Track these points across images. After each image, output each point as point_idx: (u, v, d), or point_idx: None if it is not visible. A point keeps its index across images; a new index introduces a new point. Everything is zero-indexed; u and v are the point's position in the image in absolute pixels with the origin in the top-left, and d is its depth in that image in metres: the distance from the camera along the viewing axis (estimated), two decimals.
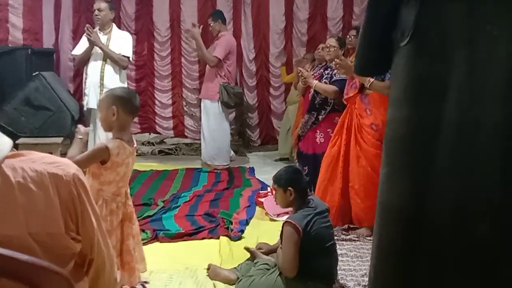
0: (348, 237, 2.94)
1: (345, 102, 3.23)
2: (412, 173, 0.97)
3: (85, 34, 3.84)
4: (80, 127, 2.05)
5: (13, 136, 3.74)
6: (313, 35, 6.36)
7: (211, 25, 4.94)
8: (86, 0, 6.23)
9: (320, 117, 3.61)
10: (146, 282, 2.29)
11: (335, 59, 3.16)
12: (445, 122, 0.92)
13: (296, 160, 3.92)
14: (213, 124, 4.87)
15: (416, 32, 0.96)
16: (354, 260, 2.64)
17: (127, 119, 1.97)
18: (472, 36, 0.90)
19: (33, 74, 3.94)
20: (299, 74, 3.31)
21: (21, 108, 3.64)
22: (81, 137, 1.98)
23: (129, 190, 2.13)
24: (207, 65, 4.92)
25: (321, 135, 3.61)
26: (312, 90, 3.70)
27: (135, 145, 2.05)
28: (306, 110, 3.78)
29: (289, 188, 2.16)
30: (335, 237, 2.83)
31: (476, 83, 0.89)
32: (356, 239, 2.90)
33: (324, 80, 3.56)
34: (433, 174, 0.93)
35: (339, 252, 2.65)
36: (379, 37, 1.08)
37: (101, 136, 3.62)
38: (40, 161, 0.75)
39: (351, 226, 3.08)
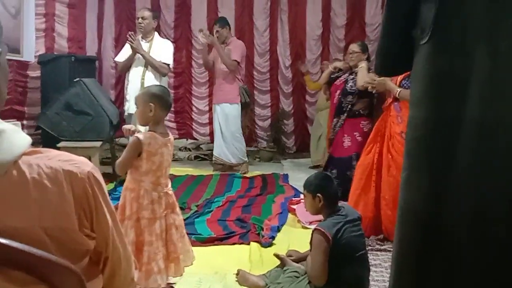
0: (383, 247, 2.84)
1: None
2: (430, 174, 0.93)
3: (126, 46, 3.97)
4: (124, 127, 2.25)
5: (54, 139, 3.90)
6: (351, 40, 6.23)
7: (219, 31, 4.94)
8: (128, 9, 6.46)
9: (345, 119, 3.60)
10: (173, 284, 2.30)
11: (367, 82, 3.18)
12: (465, 120, 0.87)
13: (324, 166, 3.89)
14: (233, 127, 4.94)
15: (436, 29, 0.92)
16: (389, 271, 2.53)
17: (162, 114, 2.12)
18: (493, 31, 0.86)
19: (74, 80, 4.09)
20: (368, 84, 3.21)
21: (62, 112, 3.79)
22: (127, 135, 2.15)
23: (170, 183, 2.21)
24: (218, 70, 4.96)
25: (348, 138, 3.58)
26: (337, 94, 3.69)
27: (169, 137, 2.15)
28: (334, 114, 3.77)
29: (318, 194, 2.11)
30: (369, 247, 2.76)
31: (498, 78, 0.85)
32: (391, 249, 2.79)
33: (350, 84, 3.58)
34: (452, 175, 0.89)
35: (372, 262, 2.57)
36: (398, 36, 1.05)
37: None
38: (56, 159, 0.75)
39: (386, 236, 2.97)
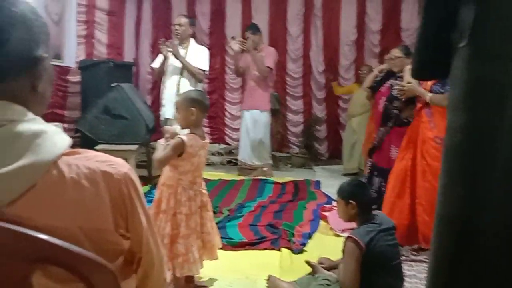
0: (418, 257, 2.76)
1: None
2: (468, 182, 0.90)
3: (160, 50, 4.06)
4: (165, 128, 2.43)
5: (92, 142, 4.03)
6: (386, 46, 6.15)
7: (251, 37, 4.94)
8: (165, 16, 6.62)
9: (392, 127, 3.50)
10: (204, 286, 2.32)
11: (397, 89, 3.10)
12: (505, 127, 0.84)
13: (367, 174, 3.77)
14: (261, 133, 4.97)
15: (475, 32, 0.89)
16: (423, 282, 2.46)
17: (202, 117, 2.27)
18: None
19: (112, 85, 4.21)
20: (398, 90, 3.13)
21: (101, 116, 3.92)
22: (167, 136, 2.26)
23: (204, 183, 2.36)
24: (250, 77, 4.98)
25: (396, 149, 3.45)
26: (383, 100, 3.58)
27: (206, 140, 2.28)
28: (380, 122, 3.64)
29: (351, 201, 2.08)
30: (404, 257, 2.69)
31: None
32: (427, 260, 2.71)
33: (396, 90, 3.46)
34: (490, 183, 0.86)
35: (407, 273, 2.51)
36: (436, 40, 1.02)
37: None
38: (93, 159, 0.77)
39: (422, 247, 2.89)
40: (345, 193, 2.13)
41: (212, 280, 2.44)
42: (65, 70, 5.51)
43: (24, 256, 0.68)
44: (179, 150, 2.13)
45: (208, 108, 2.32)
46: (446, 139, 0.96)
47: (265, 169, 5.07)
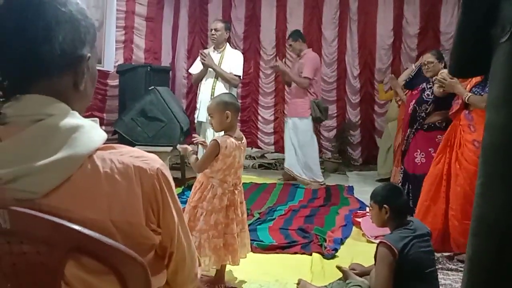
0: (454, 266, 2.67)
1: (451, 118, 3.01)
2: (507, 183, 0.86)
3: (199, 58, 4.12)
4: (179, 147, 2.51)
5: (129, 143, 4.14)
6: (424, 50, 6.01)
7: (291, 45, 4.99)
8: (201, 22, 6.74)
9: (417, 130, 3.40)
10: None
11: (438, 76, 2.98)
12: None
13: (400, 179, 3.68)
14: (302, 141, 4.88)
15: None
16: None
17: (235, 119, 2.33)
18: None
19: (149, 88, 4.32)
20: (438, 82, 3.00)
21: (137, 118, 4.02)
22: (191, 150, 2.42)
23: (240, 183, 2.39)
24: (292, 84, 4.97)
25: (422, 154, 3.35)
26: (412, 103, 3.49)
27: (243, 141, 2.33)
28: (407, 124, 3.55)
29: (385, 206, 2.03)
30: (439, 266, 2.60)
31: None
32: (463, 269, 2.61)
33: (426, 93, 3.38)
34: None
35: (443, 282, 2.43)
36: (475, 36, 0.99)
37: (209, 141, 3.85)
38: (128, 154, 0.79)
39: (457, 253, 2.79)
40: (378, 197, 2.09)
41: (241, 282, 2.44)
42: (104, 74, 5.70)
43: (58, 245, 0.70)
44: (216, 152, 2.20)
45: (240, 109, 2.38)
46: (484, 138, 0.92)
47: (311, 185, 4.85)
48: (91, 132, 0.77)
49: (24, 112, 0.74)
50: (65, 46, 0.77)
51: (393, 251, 1.91)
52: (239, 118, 6.55)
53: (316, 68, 4.89)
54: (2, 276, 0.73)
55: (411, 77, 3.88)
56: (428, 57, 3.45)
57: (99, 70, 5.56)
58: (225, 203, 2.26)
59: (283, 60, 6.40)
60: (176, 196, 0.86)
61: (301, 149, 4.89)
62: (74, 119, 0.76)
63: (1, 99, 0.75)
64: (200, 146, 3.26)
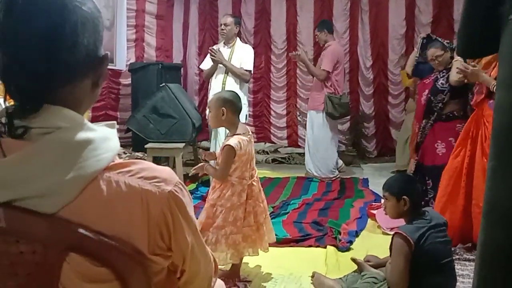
0: (472, 257, 2.61)
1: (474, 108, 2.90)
2: None
3: (208, 54, 4.12)
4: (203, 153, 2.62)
5: (143, 141, 4.16)
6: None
7: (317, 35, 4.96)
8: (211, 18, 6.73)
9: (435, 121, 3.30)
10: (248, 281, 2.33)
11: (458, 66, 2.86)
12: None
13: (412, 172, 3.61)
14: (317, 135, 4.82)
15: None
16: None
17: (233, 117, 2.28)
18: None
19: (160, 85, 4.33)
20: (459, 72, 2.89)
21: (149, 115, 4.03)
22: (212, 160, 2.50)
23: (255, 172, 2.39)
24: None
25: (443, 145, 3.25)
26: (426, 93, 3.39)
27: (250, 133, 2.34)
28: (422, 115, 3.43)
29: (404, 197, 1.99)
30: (457, 256, 2.56)
31: None
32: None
33: (440, 82, 3.28)
34: None
35: (460, 272, 2.39)
36: (482, 14, 0.95)
37: (221, 140, 3.83)
38: (138, 175, 0.73)
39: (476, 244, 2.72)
40: (395, 189, 2.05)
41: (256, 276, 2.44)
42: (117, 73, 5.75)
43: (53, 244, 0.68)
44: (232, 156, 2.21)
45: (240, 109, 2.34)
46: (494, 119, 0.89)
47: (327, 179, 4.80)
48: (101, 148, 0.72)
49: (34, 124, 0.69)
50: (89, 49, 0.73)
51: (409, 242, 1.89)
52: (251, 113, 6.56)
53: (337, 61, 4.77)
54: (1, 275, 0.71)
55: (416, 62, 3.78)
56: (433, 52, 3.34)
57: (111, 70, 5.64)
58: (244, 199, 2.26)
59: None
60: (191, 215, 0.81)
61: (314, 143, 4.84)
62: (83, 132, 0.71)
63: (16, 109, 0.70)
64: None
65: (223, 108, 2.23)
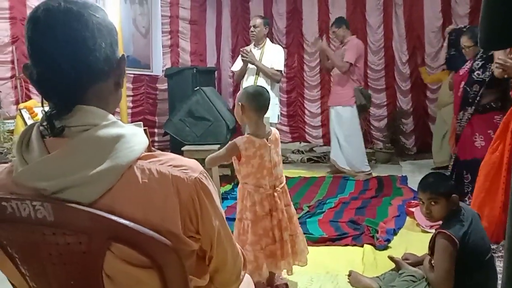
0: None
1: None
2: None
3: (239, 56, 4.17)
4: None
5: (180, 144, 4.27)
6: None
7: (335, 31, 4.89)
8: (243, 20, 6.80)
9: (472, 113, 3.18)
10: (285, 284, 2.33)
11: (499, 60, 2.74)
12: None
13: (451, 168, 3.49)
14: (347, 130, 4.77)
15: None
16: None
17: (253, 115, 2.07)
18: None
19: (195, 89, 4.42)
20: (498, 65, 2.76)
21: (185, 119, 4.14)
22: None
23: (281, 184, 2.15)
24: (333, 72, 4.91)
25: (481, 137, 3.13)
26: (462, 84, 3.28)
27: (271, 137, 2.10)
28: (459, 107, 3.33)
29: (454, 195, 1.94)
30: (496, 254, 2.46)
31: None
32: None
33: (476, 72, 3.15)
34: None
35: (499, 270, 2.29)
36: (505, 2, 0.92)
37: None
38: (167, 164, 0.81)
39: None
40: (442, 189, 1.96)
41: (292, 275, 2.44)
42: (153, 79, 5.92)
43: (97, 235, 0.74)
44: (233, 152, 2.06)
45: (263, 106, 2.09)
46: None
47: (358, 176, 4.75)
48: (132, 141, 0.80)
49: (71, 123, 0.78)
50: (107, 51, 0.81)
51: (454, 241, 1.83)
52: (285, 113, 6.57)
53: (360, 55, 4.74)
54: (51, 265, 0.78)
55: (447, 55, 3.67)
56: (465, 41, 3.25)
57: (149, 75, 5.79)
58: (268, 208, 2.07)
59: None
60: (217, 202, 0.87)
61: (346, 139, 4.78)
62: (115, 128, 0.79)
63: (53, 112, 0.79)
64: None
65: (240, 103, 2.07)
